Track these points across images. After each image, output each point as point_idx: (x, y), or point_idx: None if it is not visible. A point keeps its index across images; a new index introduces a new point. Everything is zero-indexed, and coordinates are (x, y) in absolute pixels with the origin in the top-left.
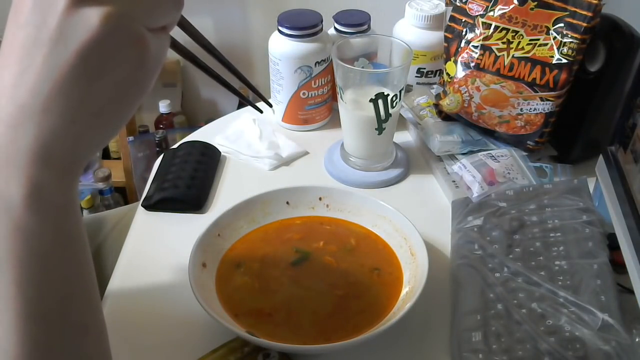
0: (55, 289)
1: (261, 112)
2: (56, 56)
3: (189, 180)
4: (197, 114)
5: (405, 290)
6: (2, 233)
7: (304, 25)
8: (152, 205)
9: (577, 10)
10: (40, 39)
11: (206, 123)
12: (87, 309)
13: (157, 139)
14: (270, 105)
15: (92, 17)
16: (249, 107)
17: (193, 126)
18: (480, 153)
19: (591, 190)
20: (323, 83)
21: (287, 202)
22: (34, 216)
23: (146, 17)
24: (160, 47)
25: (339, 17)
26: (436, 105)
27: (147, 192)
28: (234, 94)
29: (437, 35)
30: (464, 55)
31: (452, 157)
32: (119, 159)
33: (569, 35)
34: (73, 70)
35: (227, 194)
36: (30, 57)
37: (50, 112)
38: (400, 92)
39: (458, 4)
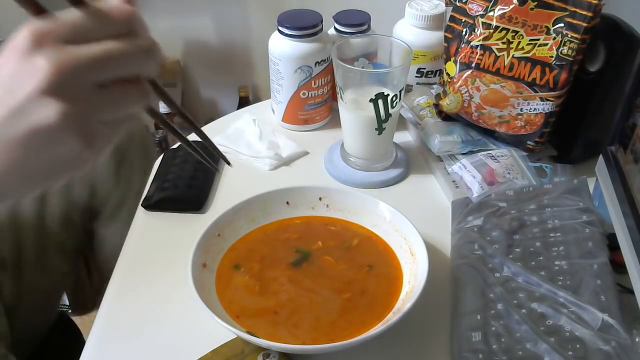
0: None
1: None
2: (8, 126)
3: (189, 180)
4: (197, 114)
5: (405, 290)
6: None
7: (304, 25)
8: (152, 205)
9: (577, 10)
10: (3, 103)
11: (206, 123)
12: None
13: (157, 139)
14: (230, 164)
15: (51, 109)
16: (249, 107)
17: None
18: (480, 153)
19: (591, 190)
20: (323, 83)
21: (287, 202)
22: None
23: (104, 115)
24: (111, 134)
25: (339, 17)
26: (436, 105)
27: (147, 192)
28: (195, 152)
29: (437, 35)
30: (464, 55)
31: (452, 157)
32: None
33: (569, 35)
34: (17, 143)
35: (227, 194)
36: None
37: None
38: (400, 92)
39: (458, 4)
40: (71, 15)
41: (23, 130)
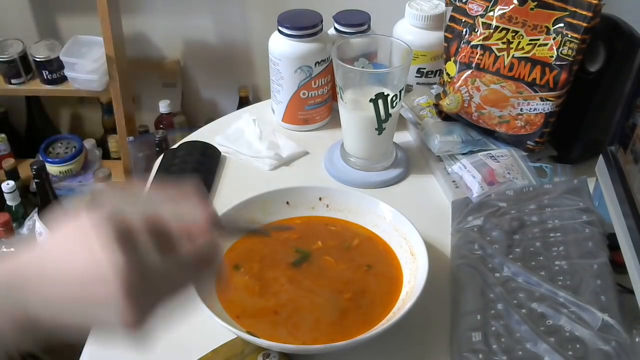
0: None
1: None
2: (74, 311)
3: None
4: (197, 114)
5: (405, 290)
6: None
7: (304, 25)
8: None
9: (577, 10)
10: (77, 290)
11: (206, 123)
12: None
13: (157, 139)
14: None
15: (118, 315)
16: (249, 107)
17: (193, 126)
18: (480, 153)
19: (591, 190)
20: (323, 83)
21: (287, 202)
22: None
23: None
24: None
25: (339, 17)
26: (436, 105)
27: None
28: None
29: (437, 35)
30: (464, 55)
31: (452, 157)
32: (119, 159)
33: (569, 35)
34: (76, 326)
35: (227, 194)
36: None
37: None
38: (400, 92)
39: (458, 4)
40: (157, 222)
41: (85, 321)
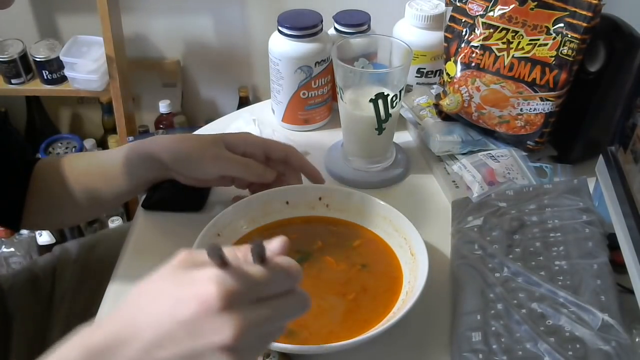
0: None
1: None
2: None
3: None
4: (197, 114)
5: (405, 290)
6: None
7: (304, 25)
8: (152, 205)
9: (577, 10)
10: (181, 342)
11: (206, 123)
12: None
13: None
14: None
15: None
16: (249, 107)
17: (193, 126)
18: (480, 153)
19: (591, 190)
20: (323, 83)
21: (287, 202)
22: None
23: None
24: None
25: (339, 17)
26: (436, 105)
27: (147, 192)
28: None
29: (437, 35)
30: (464, 55)
31: (452, 157)
32: None
33: (569, 35)
34: None
35: (227, 194)
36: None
37: None
38: (400, 92)
39: (458, 4)
40: (255, 272)
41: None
